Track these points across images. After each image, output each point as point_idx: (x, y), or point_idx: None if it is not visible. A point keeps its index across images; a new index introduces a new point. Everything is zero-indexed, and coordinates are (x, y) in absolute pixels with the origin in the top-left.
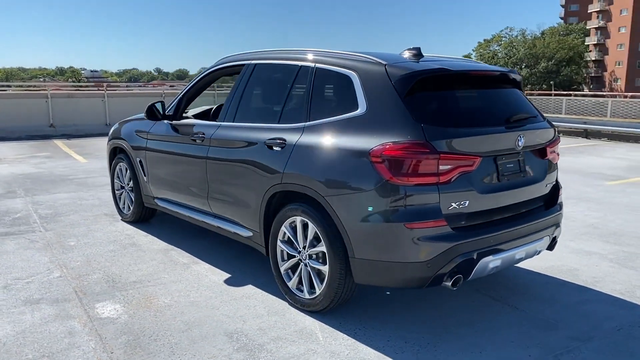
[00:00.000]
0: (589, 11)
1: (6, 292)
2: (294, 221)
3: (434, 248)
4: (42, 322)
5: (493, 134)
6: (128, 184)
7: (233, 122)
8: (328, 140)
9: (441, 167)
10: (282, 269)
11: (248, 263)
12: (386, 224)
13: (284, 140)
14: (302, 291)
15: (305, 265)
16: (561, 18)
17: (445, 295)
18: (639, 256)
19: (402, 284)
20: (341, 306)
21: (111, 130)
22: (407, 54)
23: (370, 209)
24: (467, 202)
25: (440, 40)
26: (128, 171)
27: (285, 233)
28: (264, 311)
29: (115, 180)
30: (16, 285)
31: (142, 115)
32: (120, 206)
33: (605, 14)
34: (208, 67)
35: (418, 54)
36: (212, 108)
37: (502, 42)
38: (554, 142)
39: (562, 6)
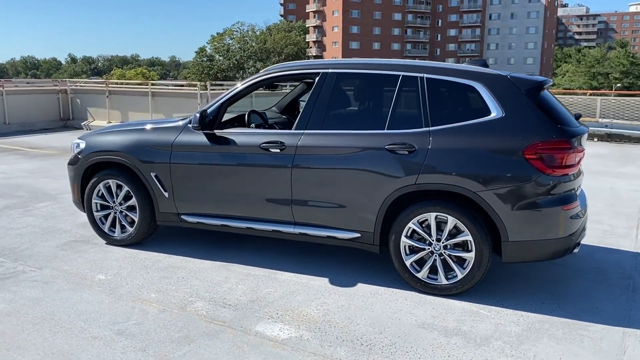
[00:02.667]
0: (306, 11)
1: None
2: (426, 218)
3: (575, 224)
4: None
5: (583, 133)
6: (122, 204)
7: (321, 129)
8: (468, 142)
9: (575, 159)
10: (407, 263)
11: (336, 268)
12: (547, 208)
13: (411, 144)
14: (436, 279)
15: (439, 255)
16: (281, 15)
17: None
18: None
19: (550, 257)
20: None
21: (82, 146)
22: (478, 63)
23: (530, 198)
24: (579, 187)
25: (169, 39)
26: (123, 189)
27: (411, 229)
28: (417, 304)
29: (94, 201)
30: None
31: (138, 124)
32: (106, 229)
33: (320, 14)
34: (254, 75)
35: (486, 64)
36: (236, 116)
37: (235, 37)
38: None
39: (282, 4)
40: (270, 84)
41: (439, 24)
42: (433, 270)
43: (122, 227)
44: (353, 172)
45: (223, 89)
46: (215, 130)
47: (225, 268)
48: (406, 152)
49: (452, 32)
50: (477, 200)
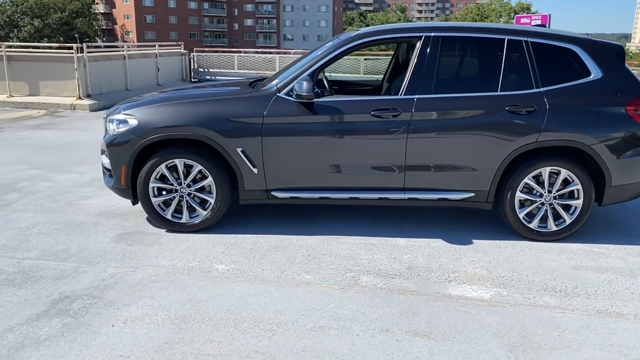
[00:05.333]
0: None
1: None
2: (540, 172)
3: None
4: None
5: None
6: (190, 185)
7: (434, 94)
8: (578, 101)
9: None
10: (520, 215)
11: (427, 228)
12: None
13: (531, 104)
14: (545, 227)
15: (549, 205)
16: None
17: None
18: None
19: (638, 196)
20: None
21: (131, 122)
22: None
23: (631, 147)
24: None
25: None
26: (195, 168)
27: (525, 184)
28: (546, 251)
29: (151, 185)
30: None
31: (203, 94)
32: (169, 215)
33: None
34: (345, 38)
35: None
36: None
37: None
38: None
39: None
40: (365, 48)
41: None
42: (542, 219)
43: (191, 211)
44: (473, 134)
45: (103, 52)
46: (314, 99)
47: (337, 241)
48: (526, 112)
49: (249, 7)
50: (590, 153)
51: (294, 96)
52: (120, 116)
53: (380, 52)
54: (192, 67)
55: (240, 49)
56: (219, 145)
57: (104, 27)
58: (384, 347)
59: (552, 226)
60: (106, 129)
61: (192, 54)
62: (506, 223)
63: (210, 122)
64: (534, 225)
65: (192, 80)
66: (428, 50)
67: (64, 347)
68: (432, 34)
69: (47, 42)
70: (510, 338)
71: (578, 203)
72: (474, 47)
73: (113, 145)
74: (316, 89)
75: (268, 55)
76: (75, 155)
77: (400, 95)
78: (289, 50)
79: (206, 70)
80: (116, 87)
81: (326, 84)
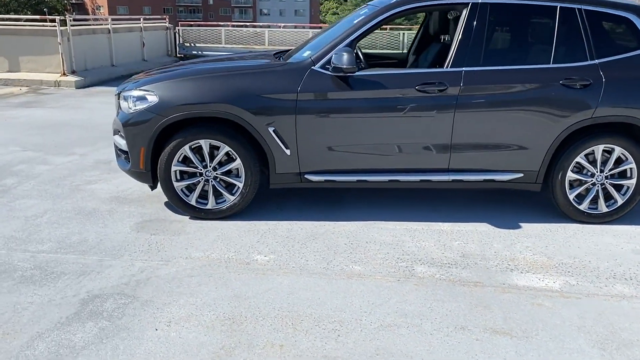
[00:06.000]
0: None
1: None
2: (593, 150)
3: None
4: None
5: None
6: (216, 168)
7: (483, 66)
8: (634, 74)
9: None
10: (571, 197)
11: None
12: None
13: (586, 78)
14: (596, 208)
15: (601, 185)
16: None
17: None
18: None
19: None
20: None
21: (151, 99)
22: None
23: None
24: None
25: None
26: (222, 150)
27: (576, 163)
28: (600, 234)
29: (174, 168)
30: None
31: (226, 68)
32: (193, 201)
33: None
34: (384, 5)
35: None
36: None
37: None
38: None
39: None
40: (403, 17)
41: None
42: (593, 200)
43: (217, 196)
44: (524, 109)
45: (89, 26)
46: (354, 73)
47: (377, 227)
48: (580, 86)
49: None
50: None
51: (330, 69)
52: (138, 92)
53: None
54: (177, 41)
55: (227, 23)
56: (248, 125)
57: (74, 2)
58: (465, 347)
59: (603, 208)
60: (119, 107)
61: (177, 27)
62: (555, 205)
63: (240, 98)
64: (584, 207)
65: (178, 55)
66: (476, 18)
67: (105, 356)
68: (480, 1)
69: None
70: (598, 334)
71: (631, 183)
72: (524, 15)
73: (130, 124)
74: None
75: (257, 29)
76: (70, 136)
77: (447, 68)
78: (278, 25)
79: (192, 45)
80: (101, 62)
81: (361, 56)
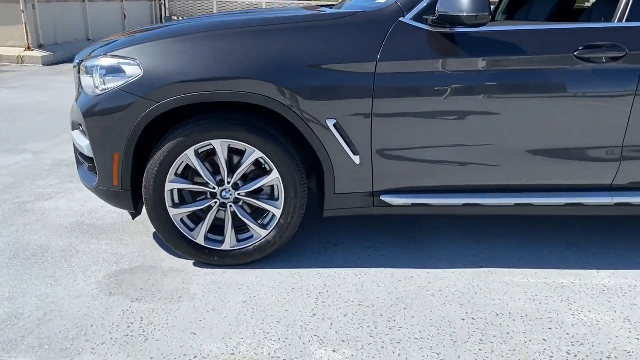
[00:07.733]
0: None
1: None
2: None
3: None
4: None
5: None
6: (238, 185)
7: None
8: None
9: None
10: None
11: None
12: None
13: None
14: None
15: None
16: None
17: None
18: None
19: None
20: None
21: (131, 72)
22: None
23: None
24: None
25: None
26: (249, 156)
27: None
28: None
29: (169, 185)
30: None
31: (252, 20)
32: (200, 237)
33: None
34: None
35: None
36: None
37: None
38: None
39: None
40: None
41: None
42: None
43: (240, 229)
44: None
45: None
46: (491, 28)
47: (496, 280)
48: None
49: None
50: None
51: (435, 19)
52: (109, 60)
53: None
54: (163, 14)
55: None
56: (294, 115)
57: None
58: None
59: None
60: (80, 85)
61: None
62: None
63: (278, 71)
64: None
65: None
66: None
67: None
68: None
69: None
70: None
71: None
72: None
73: (96, 114)
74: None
75: (253, 0)
76: (27, 125)
77: (615, 21)
78: None
79: (181, 18)
80: (74, 35)
81: None
